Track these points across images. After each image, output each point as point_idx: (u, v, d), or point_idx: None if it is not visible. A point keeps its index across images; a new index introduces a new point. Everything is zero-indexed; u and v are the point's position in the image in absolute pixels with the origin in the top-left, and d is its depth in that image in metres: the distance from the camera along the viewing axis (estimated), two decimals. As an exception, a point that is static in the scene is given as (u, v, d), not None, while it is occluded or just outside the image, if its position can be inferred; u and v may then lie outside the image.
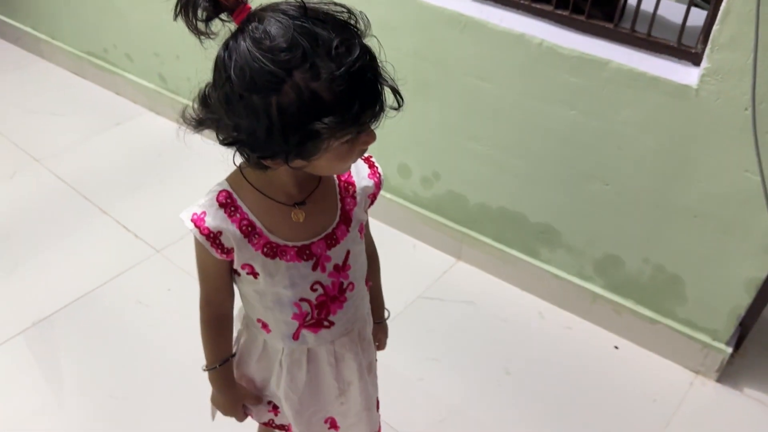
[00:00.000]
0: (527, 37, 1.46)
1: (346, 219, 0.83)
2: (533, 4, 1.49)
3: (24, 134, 2.31)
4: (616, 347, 1.72)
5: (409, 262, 1.91)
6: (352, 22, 0.64)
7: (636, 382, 1.65)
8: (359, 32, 0.64)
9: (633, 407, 1.59)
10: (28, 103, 2.48)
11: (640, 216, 1.56)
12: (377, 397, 1.07)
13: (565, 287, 1.76)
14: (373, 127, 0.70)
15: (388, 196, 1.95)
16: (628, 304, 1.68)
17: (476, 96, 1.63)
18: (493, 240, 1.83)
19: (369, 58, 0.64)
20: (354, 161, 0.78)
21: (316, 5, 0.64)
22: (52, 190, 2.08)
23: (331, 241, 0.81)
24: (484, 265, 1.88)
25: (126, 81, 2.49)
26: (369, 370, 1.00)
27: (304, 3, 0.62)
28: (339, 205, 0.83)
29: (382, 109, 0.68)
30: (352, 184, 0.84)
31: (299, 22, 0.59)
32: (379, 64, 0.66)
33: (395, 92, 0.69)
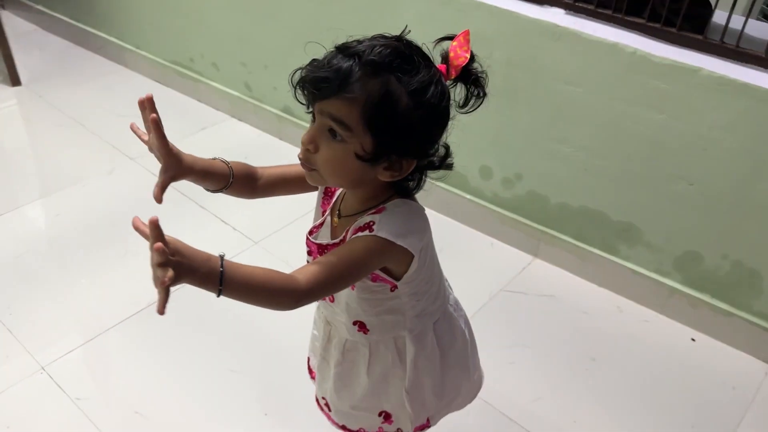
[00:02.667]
0: (620, 46, 1.55)
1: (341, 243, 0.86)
2: (626, 17, 1.57)
3: (116, 135, 2.42)
4: (693, 339, 1.76)
5: (486, 260, 1.99)
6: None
7: (713, 372, 1.67)
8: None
9: (711, 396, 1.61)
10: (116, 108, 2.58)
11: (721, 214, 1.61)
12: (384, 411, 1.06)
13: (643, 282, 1.81)
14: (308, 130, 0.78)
15: (468, 196, 2.04)
16: (704, 298, 1.73)
17: (565, 100, 1.71)
18: (572, 238, 1.89)
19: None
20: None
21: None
22: (149, 186, 2.18)
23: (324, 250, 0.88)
24: (561, 262, 1.94)
25: (210, 89, 2.60)
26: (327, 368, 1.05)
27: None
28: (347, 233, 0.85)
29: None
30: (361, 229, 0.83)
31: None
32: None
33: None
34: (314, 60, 0.77)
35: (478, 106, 0.82)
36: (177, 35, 2.61)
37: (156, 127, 0.82)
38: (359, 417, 1.07)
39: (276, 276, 0.74)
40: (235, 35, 2.39)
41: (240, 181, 0.95)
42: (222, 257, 0.71)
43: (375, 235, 0.79)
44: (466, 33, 0.80)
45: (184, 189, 2.13)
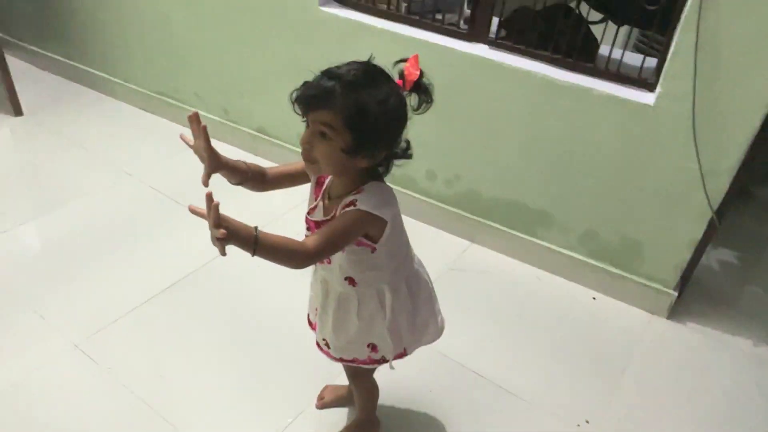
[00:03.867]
0: (533, 73, 1.71)
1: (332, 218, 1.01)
2: (536, 51, 1.75)
3: (113, 154, 2.46)
4: (594, 298, 1.94)
5: (434, 246, 2.10)
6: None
7: (610, 321, 1.85)
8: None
9: (607, 339, 1.78)
10: (111, 132, 2.62)
11: (611, 200, 1.79)
12: (371, 343, 1.18)
13: (556, 257, 1.97)
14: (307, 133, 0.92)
15: (417, 195, 2.17)
16: (601, 265, 1.90)
17: (492, 115, 1.85)
18: (501, 225, 2.04)
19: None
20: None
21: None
22: (148, 195, 2.25)
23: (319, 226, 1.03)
24: (492, 245, 2.08)
25: (188, 113, 2.64)
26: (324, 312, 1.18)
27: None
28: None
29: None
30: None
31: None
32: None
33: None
34: (306, 82, 0.93)
35: (427, 109, 0.98)
36: (162, 69, 2.65)
37: (204, 134, 0.96)
38: (352, 349, 1.20)
39: (292, 242, 0.89)
40: (215, 69, 2.46)
41: (254, 178, 1.08)
42: (256, 228, 0.86)
43: (358, 209, 0.94)
44: (416, 57, 0.98)
45: (174, 194, 2.24)
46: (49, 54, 3.05)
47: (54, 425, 1.43)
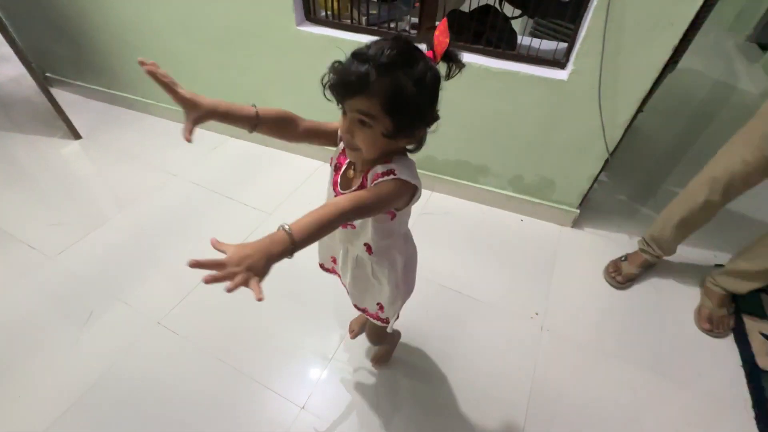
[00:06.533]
0: (471, 63, 1.43)
1: (361, 187, 0.71)
2: (471, 45, 1.46)
3: (157, 161, 2.07)
4: (522, 220, 1.76)
5: None
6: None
7: (534, 235, 1.69)
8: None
9: (535, 248, 1.64)
10: (151, 143, 2.20)
11: (533, 152, 1.58)
12: (379, 302, 0.92)
13: (493, 196, 1.78)
14: (347, 117, 0.61)
15: None
16: (526, 197, 1.73)
17: (443, 97, 1.57)
18: (452, 177, 1.82)
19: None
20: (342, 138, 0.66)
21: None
22: (190, 189, 1.90)
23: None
24: (448, 191, 1.87)
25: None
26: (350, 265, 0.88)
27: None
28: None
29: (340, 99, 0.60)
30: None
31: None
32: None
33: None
34: (337, 64, 0.59)
35: (458, 74, 0.66)
36: (184, 87, 2.18)
37: (155, 79, 0.59)
38: (366, 300, 0.95)
39: (326, 212, 0.56)
40: (218, 83, 2.04)
41: (272, 124, 0.69)
42: (282, 226, 0.52)
43: (398, 178, 0.64)
44: (444, 21, 0.63)
45: (213, 186, 1.89)
46: (91, 86, 2.49)
47: (152, 390, 1.19)
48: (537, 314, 1.38)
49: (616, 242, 1.67)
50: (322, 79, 0.60)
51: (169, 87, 0.60)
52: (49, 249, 1.56)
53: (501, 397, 1.17)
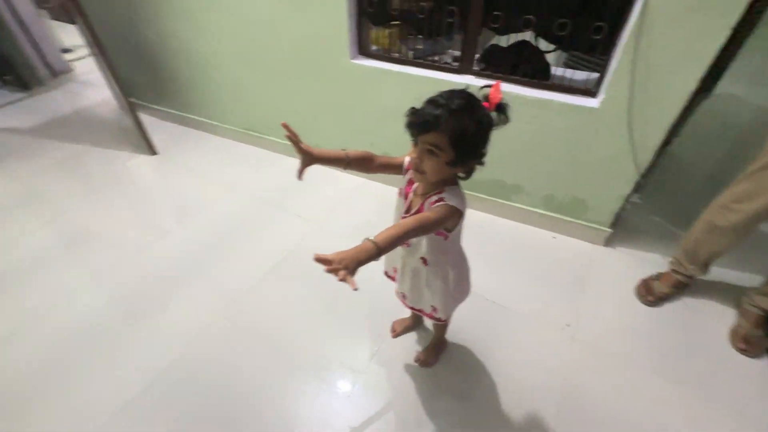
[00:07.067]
0: (509, 92, 1.53)
1: (419, 211, 0.87)
2: (509, 77, 1.57)
3: (220, 175, 2.29)
4: (554, 237, 1.81)
5: None
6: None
7: (566, 251, 1.74)
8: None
9: (567, 264, 1.67)
10: (215, 159, 2.44)
11: (565, 173, 1.65)
12: (433, 305, 1.06)
13: (526, 213, 1.85)
14: (418, 148, 0.77)
15: None
16: (558, 215, 1.78)
17: None
18: (487, 195, 1.90)
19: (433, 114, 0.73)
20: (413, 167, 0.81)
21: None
22: (248, 201, 2.10)
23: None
24: (484, 209, 1.94)
25: (270, 141, 2.47)
26: (407, 275, 1.03)
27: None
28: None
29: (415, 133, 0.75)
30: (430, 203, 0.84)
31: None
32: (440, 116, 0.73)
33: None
34: (414, 110, 0.77)
35: (505, 124, 0.81)
36: (244, 112, 2.45)
37: (294, 137, 0.82)
38: (421, 303, 1.10)
39: (398, 229, 0.73)
40: (278, 108, 2.27)
41: (357, 163, 0.90)
42: (367, 238, 0.70)
43: (447, 204, 0.79)
44: (498, 84, 0.81)
45: (268, 199, 2.08)
46: (166, 109, 2.82)
47: (216, 379, 1.34)
48: (568, 325, 1.44)
49: (649, 262, 1.69)
50: (405, 120, 0.78)
51: (295, 141, 0.83)
52: (131, 249, 1.80)
53: (532, 404, 1.23)
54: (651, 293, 1.53)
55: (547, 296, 1.55)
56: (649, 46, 1.25)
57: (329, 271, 0.64)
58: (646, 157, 1.44)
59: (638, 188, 1.62)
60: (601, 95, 1.40)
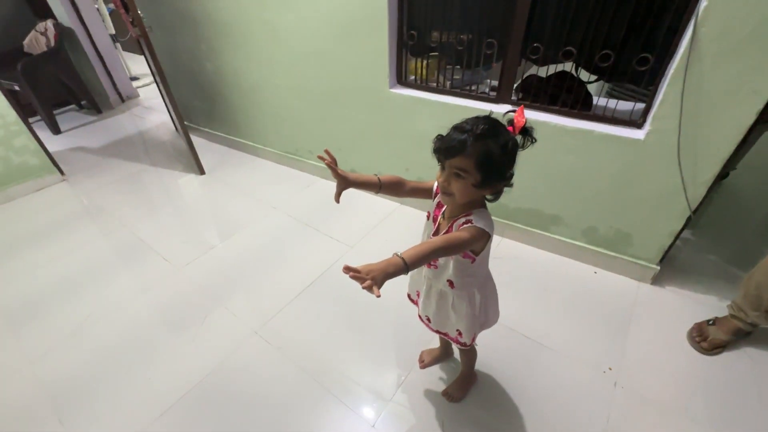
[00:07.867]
0: (547, 122, 1.53)
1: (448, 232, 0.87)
2: (549, 107, 1.56)
3: (262, 195, 2.39)
4: (595, 272, 1.73)
5: None
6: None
7: (609, 289, 1.65)
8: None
9: (610, 302, 1.59)
10: (258, 180, 2.56)
11: (607, 206, 1.59)
12: (458, 329, 1.04)
13: (565, 246, 1.78)
14: (445, 173, 0.79)
15: None
16: (600, 249, 1.70)
17: (519, 154, 1.66)
18: (523, 225, 1.86)
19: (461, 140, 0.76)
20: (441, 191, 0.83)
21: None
22: (287, 221, 2.17)
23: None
24: (519, 238, 1.90)
25: (308, 164, 2.56)
26: (431, 297, 1.02)
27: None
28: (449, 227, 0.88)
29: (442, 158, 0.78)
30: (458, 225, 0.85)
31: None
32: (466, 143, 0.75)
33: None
34: (440, 136, 0.80)
35: (530, 146, 0.83)
36: (287, 136, 2.57)
37: (328, 165, 0.87)
38: (447, 327, 1.08)
39: (426, 247, 0.75)
40: (320, 133, 2.36)
41: (389, 187, 0.93)
42: (396, 253, 0.72)
43: (475, 225, 0.81)
44: (522, 108, 0.83)
45: (305, 219, 2.14)
46: (215, 132, 3.02)
47: (246, 394, 1.37)
48: (610, 369, 1.35)
49: (703, 304, 1.57)
50: (432, 146, 0.81)
51: (333, 168, 0.88)
52: (178, 261, 1.91)
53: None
54: (704, 339, 1.41)
55: (586, 335, 1.48)
56: (700, 77, 1.20)
57: (354, 277, 0.65)
58: (699, 191, 1.36)
59: (690, 223, 1.52)
60: (647, 126, 1.35)
